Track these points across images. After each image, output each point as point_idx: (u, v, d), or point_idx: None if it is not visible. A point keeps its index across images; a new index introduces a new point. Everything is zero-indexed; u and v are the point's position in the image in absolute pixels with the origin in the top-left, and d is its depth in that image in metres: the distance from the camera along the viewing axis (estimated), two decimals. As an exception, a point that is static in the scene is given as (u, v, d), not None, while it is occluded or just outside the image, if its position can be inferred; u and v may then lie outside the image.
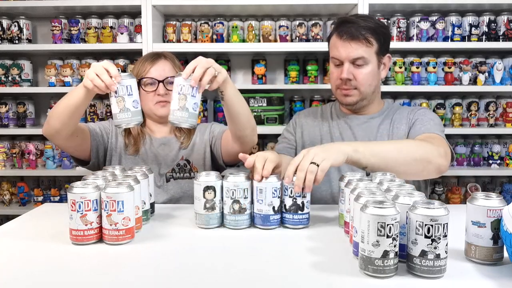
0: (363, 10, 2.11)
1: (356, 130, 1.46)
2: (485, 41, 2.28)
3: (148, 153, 1.54)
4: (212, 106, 2.44)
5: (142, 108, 1.55)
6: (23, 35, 2.36)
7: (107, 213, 0.95)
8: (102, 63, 1.16)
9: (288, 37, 2.33)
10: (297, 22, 2.33)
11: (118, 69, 1.16)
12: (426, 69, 2.31)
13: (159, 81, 1.50)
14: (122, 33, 2.28)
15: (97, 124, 1.54)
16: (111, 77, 1.13)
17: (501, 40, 2.27)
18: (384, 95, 2.14)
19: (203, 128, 1.65)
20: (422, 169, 1.20)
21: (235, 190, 1.06)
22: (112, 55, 2.40)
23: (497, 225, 0.83)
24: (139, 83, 1.52)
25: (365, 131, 1.46)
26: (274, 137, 2.12)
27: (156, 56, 1.55)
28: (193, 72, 1.14)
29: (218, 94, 1.28)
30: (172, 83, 1.51)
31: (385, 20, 2.28)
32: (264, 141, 2.42)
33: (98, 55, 2.41)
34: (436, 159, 1.21)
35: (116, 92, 1.12)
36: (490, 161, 2.36)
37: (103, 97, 2.42)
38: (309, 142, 1.50)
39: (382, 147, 1.20)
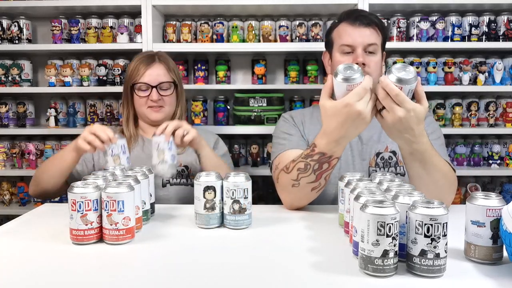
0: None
1: None
2: (485, 41, 2.28)
3: (140, 155, 1.52)
4: (212, 106, 2.44)
5: (136, 110, 1.56)
6: (23, 35, 2.36)
7: (108, 213, 0.96)
8: (96, 127, 1.28)
9: (288, 37, 2.33)
10: (297, 22, 2.34)
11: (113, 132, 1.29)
12: (426, 69, 2.31)
13: (152, 87, 1.50)
14: (122, 33, 2.28)
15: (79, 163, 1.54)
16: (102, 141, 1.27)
17: (501, 40, 2.27)
18: (384, 95, 2.13)
19: (204, 135, 1.63)
20: (443, 193, 1.17)
21: (235, 190, 1.06)
22: (112, 55, 2.40)
23: (496, 224, 0.83)
24: (132, 87, 1.52)
25: (369, 131, 1.45)
26: (274, 137, 2.12)
27: (150, 59, 1.53)
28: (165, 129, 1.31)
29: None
30: (165, 89, 1.53)
31: (385, 20, 2.28)
32: (264, 141, 2.42)
33: (98, 55, 2.41)
34: (453, 195, 1.24)
35: (112, 151, 1.26)
36: (490, 161, 2.36)
37: (103, 97, 2.43)
38: (312, 140, 1.48)
39: (436, 156, 1.15)
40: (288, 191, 1.24)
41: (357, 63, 1.35)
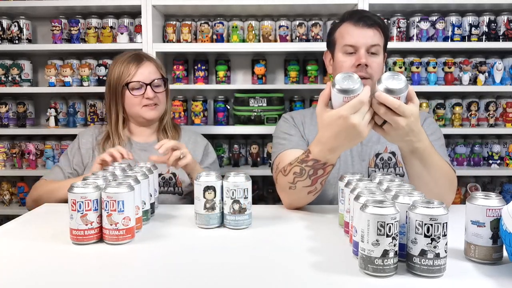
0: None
1: None
2: (485, 41, 2.28)
3: (127, 160, 1.51)
4: (212, 106, 2.44)
5: (128, 112, 1.55)
6: (23, 35, 2.36)
7: (108, 212, 0.96)
8: (111, 149, 1.30)
9: (288, 37, 2.33)
10: (297, 22, 2.34)
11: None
12: (426, 69, 2.31)
13: (147, 84, 1.49)
14: (122, 33, 2.28)
15: (71, 164, 1.53)
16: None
17: (501, 40, 2.27)
18: (384, 95, 2.13)
19: (194, 138, 1.62)
20: (443, 192, 1.17)
21: (235, 190, 1.06)
22: (112, 55, 2.39)
23: (496, 224, 0.83)
24: (123, 88, 1.50)
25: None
26: (274, 137, 2.12)
27: (139, 59, 1.53)
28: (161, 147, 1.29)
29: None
30: (157, 86, 1.52)
31: (385, 20, 2.28)
32: (264, 141, 2.42)
33: (98, 55, 2.41)
34: (453, 195, 1.23)
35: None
36: (490, 161, 2.36)
37: (103, 97, 2.42)
38: (312, 141, 1.48)
39: (436, 154, 1.14)
40: (286, 192, 1.24)
41: (359, 64, 1.36)
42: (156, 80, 1.52)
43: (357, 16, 1.40)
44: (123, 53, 1.59)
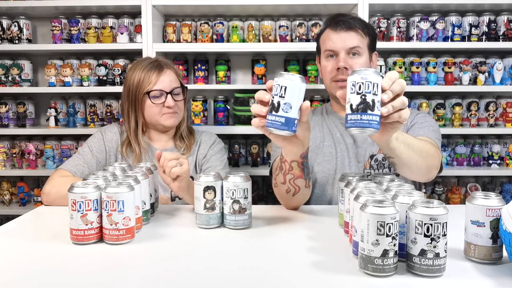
0: (363, 10, 2.11)
1: None
2: (485, 41, 2.28)
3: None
4: (212, 106, 2.44)
5: (147, 120, 1.52)
6: (23, 35, 2.36)
7: (108, 212, 0.96)
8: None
9: (288, 37, 2.33)
10: (297, 22, 2.34)
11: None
12: (426, 69, 2.31)
13: (167, 93, 1.49)
14: (122, 33, 2.28)
15: (90, 165, 1.49)
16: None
17: (501, 40, 2.27)
18: (384, 95, 2.13)
19: (207, 139, 1.62)
20: (423, 166, 1.17)
21: (235, 190, 1.07)
22: (112, 55, 2.40)
23: (496, 224, 0.83)
24: (144, 96, 1.49)
25: None
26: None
27: (160, 66, 1.51)
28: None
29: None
30: (177, 94, 1.52)
31: (385, 20, 2.28)
32: (264, 141, 2.42)
33: (98, 55, 2.41)
34: (435, 165, 1.23)
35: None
36: (490, 161, 2.36)
37: (103, 97, 2.43)
38: (312, 143, 1.49)
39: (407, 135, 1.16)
40: (275, 192, 1.28)
41: (338, 68, 1.40)
42: (176, 89, 1.51)
43: (334, 21, 1.45)
44: (141, 58, 1.57)
